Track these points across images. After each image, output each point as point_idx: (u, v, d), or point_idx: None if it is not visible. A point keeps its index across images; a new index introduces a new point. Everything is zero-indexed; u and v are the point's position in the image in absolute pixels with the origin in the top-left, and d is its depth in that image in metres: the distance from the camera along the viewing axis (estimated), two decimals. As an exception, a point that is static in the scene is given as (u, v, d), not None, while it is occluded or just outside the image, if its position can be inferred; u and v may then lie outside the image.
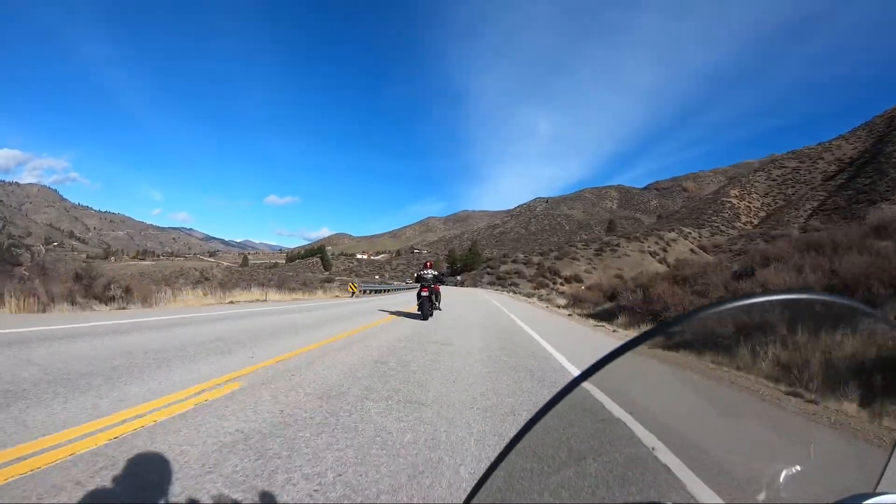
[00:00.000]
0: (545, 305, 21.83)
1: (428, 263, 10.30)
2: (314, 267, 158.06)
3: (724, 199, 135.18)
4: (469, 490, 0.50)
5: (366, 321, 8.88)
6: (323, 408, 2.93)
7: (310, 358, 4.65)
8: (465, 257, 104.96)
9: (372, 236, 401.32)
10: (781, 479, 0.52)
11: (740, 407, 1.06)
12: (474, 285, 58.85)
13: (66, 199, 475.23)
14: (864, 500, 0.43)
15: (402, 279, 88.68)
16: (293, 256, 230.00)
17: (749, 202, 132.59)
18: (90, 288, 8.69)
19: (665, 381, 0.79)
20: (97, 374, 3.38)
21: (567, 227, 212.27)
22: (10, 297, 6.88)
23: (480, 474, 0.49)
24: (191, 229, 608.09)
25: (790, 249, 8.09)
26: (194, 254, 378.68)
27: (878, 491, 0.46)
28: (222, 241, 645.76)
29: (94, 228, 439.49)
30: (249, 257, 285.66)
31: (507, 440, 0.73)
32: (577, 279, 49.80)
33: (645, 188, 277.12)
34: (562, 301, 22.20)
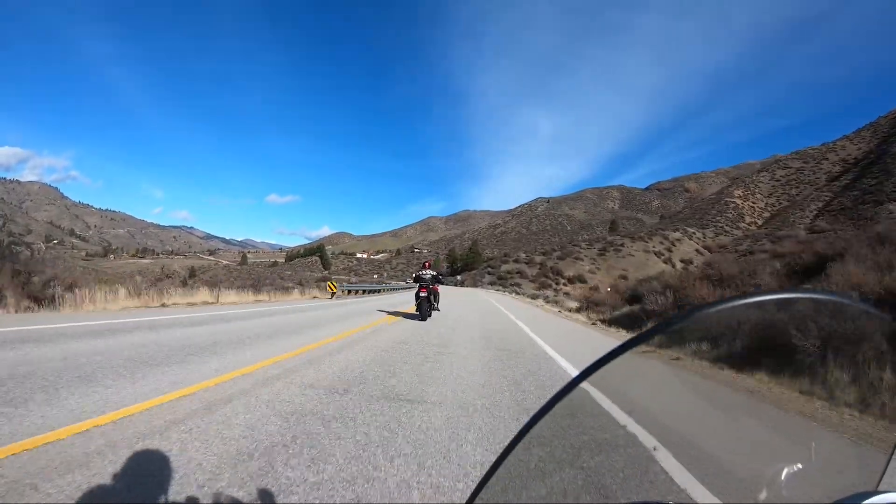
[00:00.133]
0: (558, 311, 18.26)
1: (426, 263, 10.16)
2: (313, 266, 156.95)
3: (728, 199, 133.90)
4: (471, 491, 0.49)
5: (321, 335, 6.45)
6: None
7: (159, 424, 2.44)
8: (465, 256, 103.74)
9: (373, 235, 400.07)
10: (782, 479, 0.52)
11: (740, 406, 1.04)
12: (474, 285, 57.58)
13: (66, 197, 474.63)
14: (866, 498, 0.44)
15: (401, 278, 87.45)
16: (293, 255, 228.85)
17: (753, 202, 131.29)
18: (27, 286, 7.42)
19: (665, 380, 0.80)
20: None
21: (568, 228, 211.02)
22: None
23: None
24: (192, 228, 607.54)
25: (856, 242, 6.85)
26: (194, 252, 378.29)
27: (879, 489, 0.46)
28: (223, 240, 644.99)
29: (95, 226, 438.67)
30: (249, 256, 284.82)
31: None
32: (581, 279, 48.54)
33: (647, 188, 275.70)
34: (572, 304, 19.93)
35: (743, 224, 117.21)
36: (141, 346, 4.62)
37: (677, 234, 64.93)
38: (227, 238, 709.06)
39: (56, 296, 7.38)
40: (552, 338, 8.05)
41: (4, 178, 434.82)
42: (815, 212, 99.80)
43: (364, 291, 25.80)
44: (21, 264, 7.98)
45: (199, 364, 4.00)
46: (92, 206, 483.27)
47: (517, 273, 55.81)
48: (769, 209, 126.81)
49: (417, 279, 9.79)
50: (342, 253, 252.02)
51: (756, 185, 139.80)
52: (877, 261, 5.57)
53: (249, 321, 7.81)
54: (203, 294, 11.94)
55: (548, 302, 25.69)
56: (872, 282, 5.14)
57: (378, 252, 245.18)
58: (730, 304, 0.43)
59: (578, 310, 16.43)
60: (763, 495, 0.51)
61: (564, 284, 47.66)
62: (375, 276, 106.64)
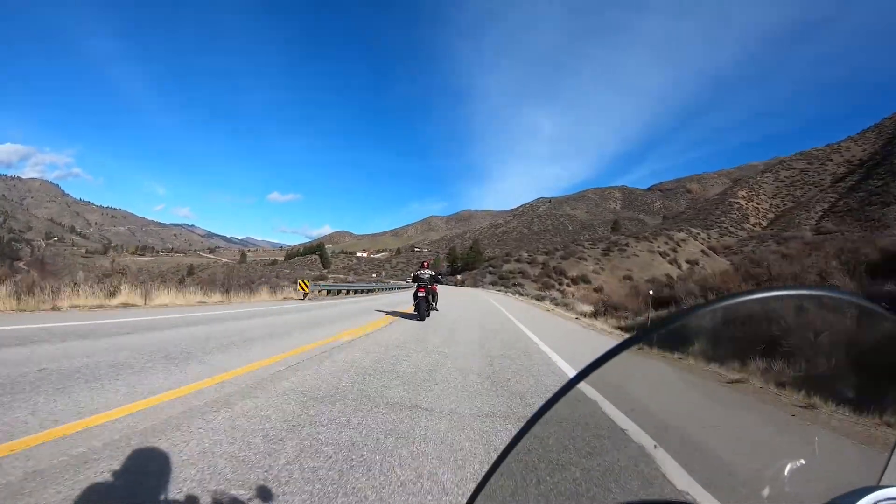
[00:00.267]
0: (576, 317, 15.03)
1: (425, 263, 10.14)
2: (313, 264, 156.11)
3: (732, 199, 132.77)
4: (471, 492, 0.50)
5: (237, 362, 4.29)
6: None
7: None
8: (466, 256, 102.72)
9: (374, 234, 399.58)
10: (782, 477, 0.52)
11: (740, 405, 1.03)
12: (475, 285, 56.49)
13: (67, 195, 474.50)
14: (868, 493, 0.44)
15: (401, 277, 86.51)
16: (292, 254, 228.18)
17: (757, 203, 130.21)
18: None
19: (663, 379, 0.80)
20: None
21: (570, 228, 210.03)
22: None
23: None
24: (193, 226, 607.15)
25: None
26: (195, 250, 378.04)
27: (881, 484, 0.46)
28: (224, 238, 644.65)
29: (96, 224, 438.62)
30: (249, 254, 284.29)
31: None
32: (585, 280, 47.47)
33: (648, 189, 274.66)
34: (585, 307, 17.89)
35: (747, 225, 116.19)
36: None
37: (682, 235, 63.84)
38: (228, 236, 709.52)
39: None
40: (573, 349, 6.71)
41: (5, 175, 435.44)
42: (820, 213, 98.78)
43: (353, 291, 22.07)
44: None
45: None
46: (93, 204, 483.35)
47: (519, 273, 54.75)
48: (774, 210, 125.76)
49: (416, 279, 9.78)
50: (342, 252, 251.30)
51: (760, 186, 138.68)
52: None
53: (130, 337, 5.36)
54: (126, 295, 9.43)
55: (556, 304, 23.50)
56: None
57: (379, 251, 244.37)
58: (729, 302, 0.43)
59: (594, 314, 14.67)
60: (766, 492, 0.51)
61: (568, 285, 46.60)
62: (374, 276, 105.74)
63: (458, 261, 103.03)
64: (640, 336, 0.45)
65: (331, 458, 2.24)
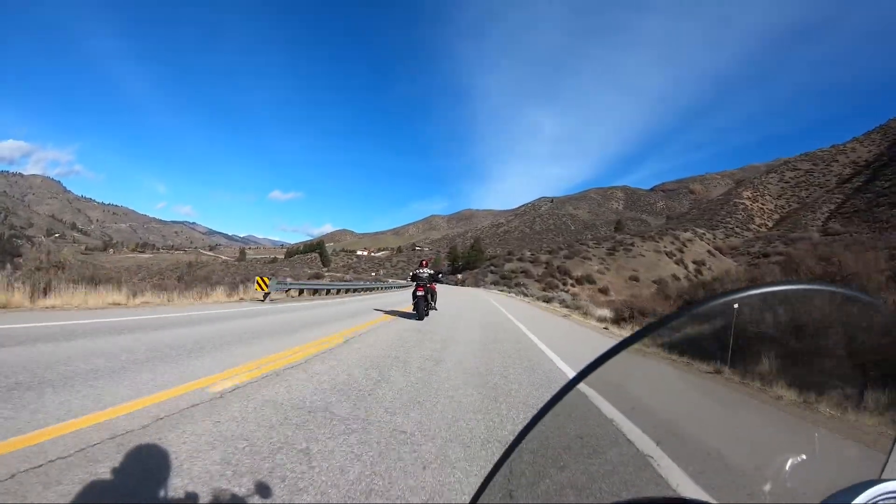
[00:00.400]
0: (604, 327, 12.23)
1: (424, 262, 10.07)
2: (312, 263, 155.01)
3: (737, 200, 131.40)
4: (473, 492, 0.50)
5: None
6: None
7: None
8: (467, 255, 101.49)
9: (375, 233, 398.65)
10: (783, 475, 0.52)
11: (739, 403, 1.05)
12: (476, 285, 55.25)
13: (69, 191, 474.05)
14: (869, 486, 0.44)
15: (401, 276, 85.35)
16: (292, 252, 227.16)
17: (762, 204, 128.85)
18: None
19: (662, 378, 0.80)
20: None
21: (572, 228, 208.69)
22: None
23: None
24: (194, 223, 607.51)
25: None
26: (195, 248, 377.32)
27: (883, 478, 0.47)
28: (225, 236, 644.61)
29: (97, 221, 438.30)
30: (249, 252, 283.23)
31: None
32: (590, 280, 46.26)
33: (651, 189, 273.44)
34: (600, 310, 15.23)
35: (753, 226, 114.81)
36: None
37: (688, 235, 62.58)
38: (230, 234, 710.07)
39: None
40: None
41: (7, 172, 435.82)
42: (826, 214, 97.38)
43: (348, 290, 18.69)
44: None
45: None
46: (94, 201, 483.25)
47: (521, 272, 53.52)
48: (779, 211, 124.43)
49: (414, 277, 9.73)
50: (343, 250, 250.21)
51: (765, 187, 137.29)
52: None
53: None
54: (17, 296, 7.25)
55: (564, 306, 21.10)
56: None
57: (379, 250, 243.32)
58: (728, 298, 0.43)
59: (617, 321, 12.60)
60: (767, 489, 0.51)
61: (572, 285, 45.40)
62: (373, 274, 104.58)
63: (459, 259, 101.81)
64: (637, 335, 0.45)
65: None
